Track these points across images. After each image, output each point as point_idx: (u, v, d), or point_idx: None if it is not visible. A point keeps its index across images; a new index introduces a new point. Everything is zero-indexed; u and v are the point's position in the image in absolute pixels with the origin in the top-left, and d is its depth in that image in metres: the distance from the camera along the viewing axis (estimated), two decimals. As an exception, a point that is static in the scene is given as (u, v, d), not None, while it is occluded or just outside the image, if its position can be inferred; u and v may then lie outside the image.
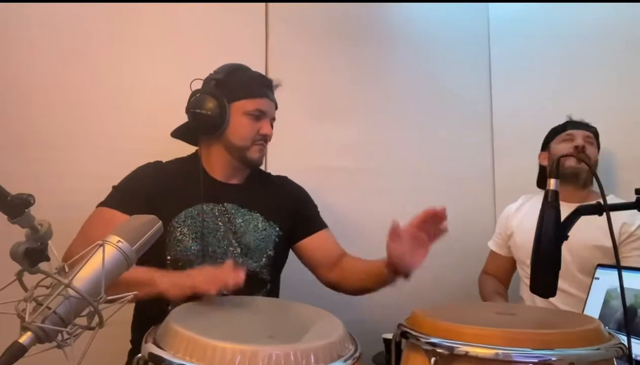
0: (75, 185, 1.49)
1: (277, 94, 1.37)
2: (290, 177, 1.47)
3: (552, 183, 0.91)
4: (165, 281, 1.03)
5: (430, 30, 2.14)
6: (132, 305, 1.30)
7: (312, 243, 1.37)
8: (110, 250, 0.67)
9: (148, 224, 0.73)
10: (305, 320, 0.94)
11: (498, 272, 1.83)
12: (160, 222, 0.76)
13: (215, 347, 0.72)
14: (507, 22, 2.21)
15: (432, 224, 1.09)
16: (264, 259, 1.29)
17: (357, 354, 0.82)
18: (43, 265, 0.60)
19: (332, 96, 1.92)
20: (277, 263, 1.34)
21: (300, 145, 1.84)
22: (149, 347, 0.77)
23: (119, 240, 0.68)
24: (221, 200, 1.28)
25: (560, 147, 1.68)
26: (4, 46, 1.47)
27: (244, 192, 1.33)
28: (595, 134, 1.69)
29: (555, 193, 0.90)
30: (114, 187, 1.24)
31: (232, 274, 0.99)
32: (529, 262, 1.57)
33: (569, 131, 1.68)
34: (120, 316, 0.70)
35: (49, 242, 0.61)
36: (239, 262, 1.25)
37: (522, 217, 1.74)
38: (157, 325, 0.86)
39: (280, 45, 1.83)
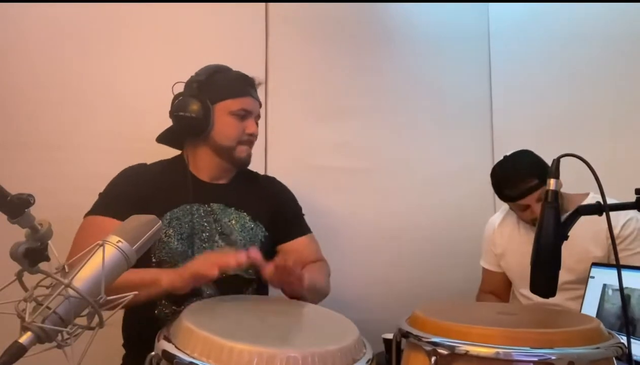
0: (75, 185, 1.48)
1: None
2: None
3: (552, 183, 0.90)
4: (167, 277, 1.05)
5: (431, 30, 2.13)
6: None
7: (289, 248, 1.35)
8: (110, 250, 0.67)
9: (148, 224, 0.74)
10: (319, 322, 0.94)
11: (495, 289, 1.76)
12: (160, 222, 0.76)
13: (232, 348, 0.72)
14: (507, 22, 2.21)
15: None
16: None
17: (370, 357, 0.82)
18: (43, 265, 0.60)
19: (332, 96, 1.92)
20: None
21: (299, 145, 1.84)
22: (163, 345, 0.76)
23: (119, 240, 0.68)
24: (207, 200, 1.28)
25: (515, 209, 1.63)
26: (4, 46, 1.47)
27: (231, 191, 1.33)
28: (532, 184, 1.48)
29: (555, 193, 0.90)
30: (100, 194, 1.24)
31: (232, 255, 1.01)
32: (523, 284, 1.52)
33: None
34: (120, 317, 0.70)
35: (49, 242, 0.61)
36: None
37: (508, 235, 1.69)
38: (168, 325, 0.86)
39: (280, 45, 1.83)
